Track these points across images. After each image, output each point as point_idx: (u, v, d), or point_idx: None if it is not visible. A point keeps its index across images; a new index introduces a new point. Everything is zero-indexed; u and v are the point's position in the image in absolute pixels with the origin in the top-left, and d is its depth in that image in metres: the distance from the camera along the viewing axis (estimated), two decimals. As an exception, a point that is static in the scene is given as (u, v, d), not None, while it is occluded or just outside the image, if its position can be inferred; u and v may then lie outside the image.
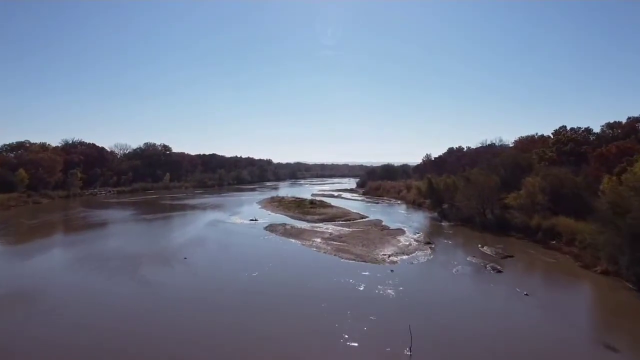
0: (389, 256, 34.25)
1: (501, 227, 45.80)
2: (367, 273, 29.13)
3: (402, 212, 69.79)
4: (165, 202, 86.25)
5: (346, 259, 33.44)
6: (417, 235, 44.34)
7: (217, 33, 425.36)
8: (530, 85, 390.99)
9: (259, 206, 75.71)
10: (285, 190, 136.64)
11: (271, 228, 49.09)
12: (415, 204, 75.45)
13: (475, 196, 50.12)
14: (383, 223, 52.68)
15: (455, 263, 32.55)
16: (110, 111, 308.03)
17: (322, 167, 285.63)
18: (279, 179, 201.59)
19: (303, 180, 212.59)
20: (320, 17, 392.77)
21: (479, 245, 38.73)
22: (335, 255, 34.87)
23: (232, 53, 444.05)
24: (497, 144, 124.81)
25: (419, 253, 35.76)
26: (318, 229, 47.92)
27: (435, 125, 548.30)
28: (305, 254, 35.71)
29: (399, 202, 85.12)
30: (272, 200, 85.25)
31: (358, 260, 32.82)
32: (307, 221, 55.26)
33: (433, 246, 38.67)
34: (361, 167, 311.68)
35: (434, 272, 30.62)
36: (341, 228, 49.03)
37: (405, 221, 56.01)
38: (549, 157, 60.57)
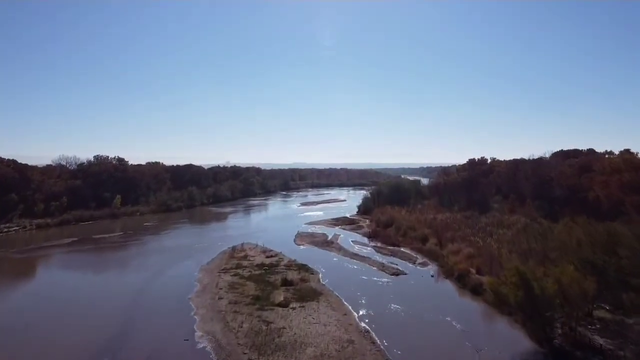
0: None
1: None
2: None
3: (455, 322, 34.59)
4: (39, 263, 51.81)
5: None
6: None
7: (213, 33, 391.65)
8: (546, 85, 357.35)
9: (197, 286, 41.16)
10: (270, 214, 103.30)
11: None
12: (467, 286, 40.82)
13: None
14: None
15: None
16: (81, 116, 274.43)
17: (319, 173, 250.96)
18: (268, 191, 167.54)
19: (296, 192, 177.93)
20: (319, 17, 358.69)
21: None
22: None
23: (228, 53, 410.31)
24: (544, 157, 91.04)
25: None
26: None
27: (439, 126, 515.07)
28: None
29: (427, 263, 50.56)
30: (229, 261, 51.00)
31: None
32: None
33: None
34: (361, 172, 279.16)
35: None
36: None
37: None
38: None
